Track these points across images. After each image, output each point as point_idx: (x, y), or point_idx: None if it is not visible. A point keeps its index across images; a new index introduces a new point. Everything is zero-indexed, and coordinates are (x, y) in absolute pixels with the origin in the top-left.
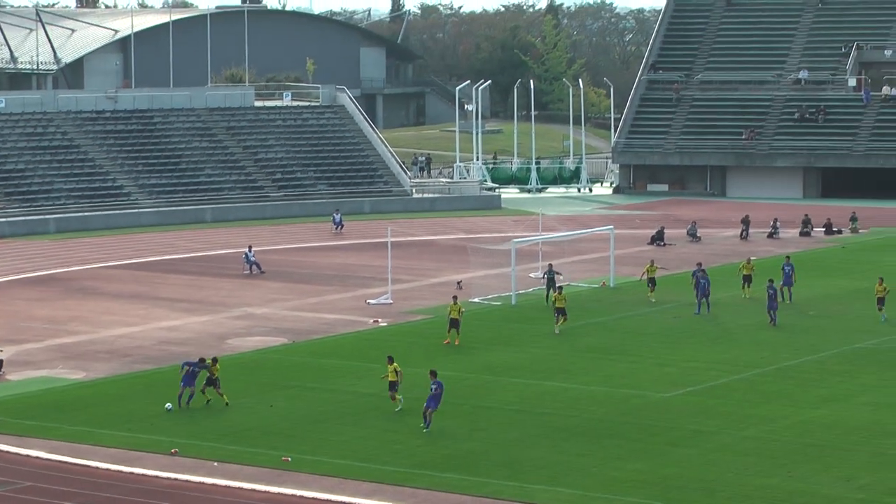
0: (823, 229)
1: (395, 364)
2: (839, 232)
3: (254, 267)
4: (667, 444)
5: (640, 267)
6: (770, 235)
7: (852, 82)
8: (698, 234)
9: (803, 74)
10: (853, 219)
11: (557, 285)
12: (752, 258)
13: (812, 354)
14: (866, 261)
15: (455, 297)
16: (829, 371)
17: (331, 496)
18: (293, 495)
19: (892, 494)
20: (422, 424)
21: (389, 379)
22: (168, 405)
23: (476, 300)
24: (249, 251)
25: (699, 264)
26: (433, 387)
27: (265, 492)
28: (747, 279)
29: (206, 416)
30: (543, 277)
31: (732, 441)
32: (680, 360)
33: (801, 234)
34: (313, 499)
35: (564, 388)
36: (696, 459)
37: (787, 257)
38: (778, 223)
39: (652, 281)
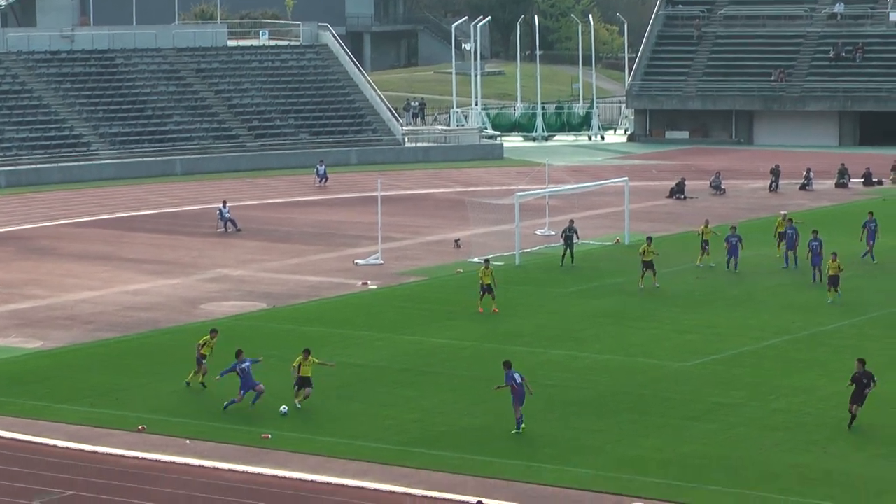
0: (862, 180)
1: (312, 357)
2: (879, 183)
3: (229, 224)
4: (687, 419)
5: (657, 223)
6: (802, 187)
7: (894, 16)
8: (722, 187)
9: (839, 8)
10: (895, 168)
11: (647, 236)
12: (785, 213)
13: (849, 318)
14: None
15: (487, 261)
16: (868, 337)
17: (315, 477)
18: (273, 476)
19: None
20: (514, 430)
21: (301, 374)
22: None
23: (476, 260)
24: (224, 207)
25: (733, 227)
26: (510, 382)
27: (243, 472)
28: (783, 237)
29: (176, 389)
30: (561, 236)
31: (760, 415)
32: (702, 325)
33: (837, 185)
34: (296, 479)
35: (574, 357)
36: (719, 435)
37: (871, 213)
38: (811, 174)
39: (707, 244)
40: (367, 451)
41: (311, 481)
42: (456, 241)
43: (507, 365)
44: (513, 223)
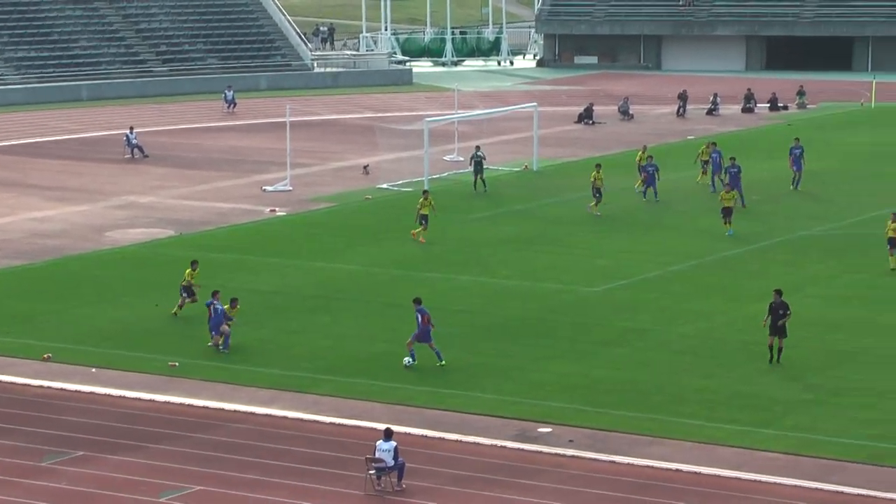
0: (768, 105)
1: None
2: (785, 108)
3: (136, 150)
4: (596, 344)
5: (565, 148)
6: (709, 112)
7: None
8: (631, 112)
9: None
10: (800, 93)
11: (597, 162)
12: (691, 137)
13: (755, 243)
14: (815, 139)
15: (426, 192)
16: (774, 261)
17: (223, 404)
18: (181, 404)
19: (842, 394)
20: (407, 358)
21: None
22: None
23: (385, 186)
24: (131, 133)
25: (650, 157)
26: (418, 316)
27: (150, 401)
28: (708, 164)
29: (82, 316)
30: (470, 162)
31: (668, 339)
32: (611, 250)
33: (744, 110)
34: (203, 407)
35: (483, 282)
36: (628, 359)
37: (797, 139)
38: (718, 98)
39: (644, 170)
40: (276, 378)
41: (220, 409)
42: (365, 166)
43: (417, 301)
44: (422, 149)
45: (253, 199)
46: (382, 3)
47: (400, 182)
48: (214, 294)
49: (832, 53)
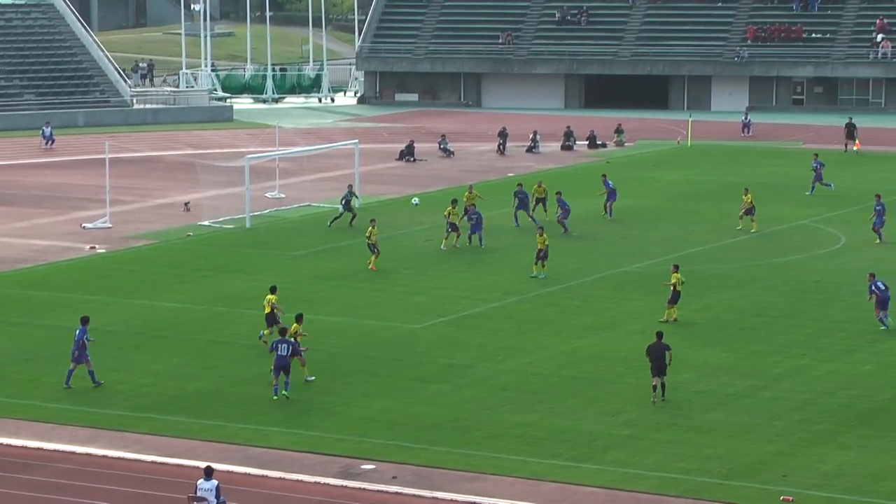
0: (587, 143)
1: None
2: (603, 145)
3: None
4: (417, 380)
5: (387, 185)
6: (529, 149)
7: None
8: (451, 149)
9: None
10: (618, 131)
11: (453, 198)
12: (541, 182)
13: (575, 279)
14: (633, 177)
15: (373, 221)
16: (594, 297)
17: (42, 444)
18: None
19: (660, 430)
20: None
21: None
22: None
23: (206, 223)
24: None
25: (472, 204)
26: (282, 347)
27: None
28: (540, 202)
29: None
30: (341, 202)
31: (488, 375)
32: (431, 287)
33: (563, 147)
34: (22, 447)
35: (305, 319)
36: (448, 396)
37: (604, 175)
38: (538, 136)
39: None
40: (97, 417)
41: (38, 448)
42: (186, 203)
43: (283, 332)
44: (243, 185)
45: (72, 237)
46: (202, 40)
47: (221, 219)
48: (84, 321)
49: (649, 92)
